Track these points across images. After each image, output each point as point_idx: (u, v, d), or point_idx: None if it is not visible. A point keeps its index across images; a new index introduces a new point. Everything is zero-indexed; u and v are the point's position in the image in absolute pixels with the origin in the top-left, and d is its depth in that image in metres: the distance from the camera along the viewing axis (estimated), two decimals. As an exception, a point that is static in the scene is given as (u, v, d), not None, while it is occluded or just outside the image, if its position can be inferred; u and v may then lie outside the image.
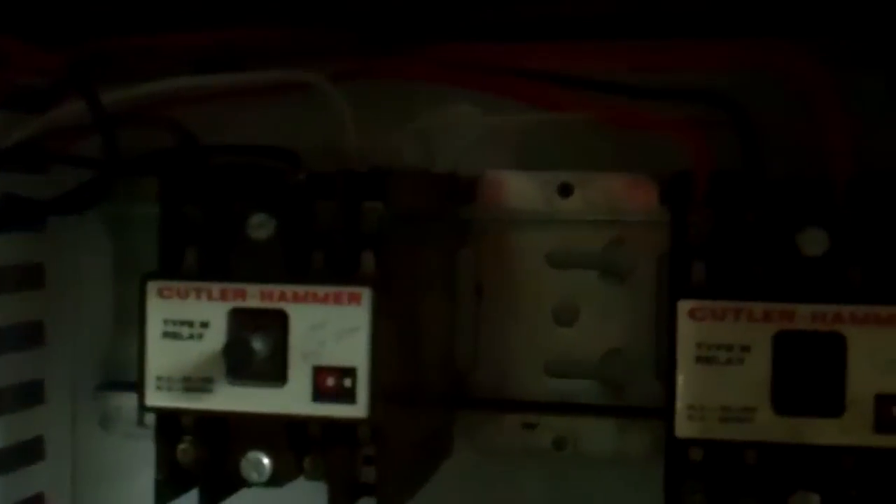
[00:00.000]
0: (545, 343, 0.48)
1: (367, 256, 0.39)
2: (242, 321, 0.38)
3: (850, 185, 0.37)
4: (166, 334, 0.39)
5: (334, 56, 0.44)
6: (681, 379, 0.36)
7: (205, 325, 0.38)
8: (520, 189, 0.47)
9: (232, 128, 0.47)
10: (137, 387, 0.39)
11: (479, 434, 0.48)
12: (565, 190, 0.47)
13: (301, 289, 0.38)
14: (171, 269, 0.39)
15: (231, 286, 0.38)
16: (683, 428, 0.37)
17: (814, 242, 0.36)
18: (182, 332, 0.39)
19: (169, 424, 0.40)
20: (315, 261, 0.39)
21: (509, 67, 0.42)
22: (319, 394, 0.37)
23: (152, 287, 0.39)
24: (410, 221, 0.42)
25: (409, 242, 0.41)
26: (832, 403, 0.36)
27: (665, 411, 0.37)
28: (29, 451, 0.49)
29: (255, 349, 0.37)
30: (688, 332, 0.37)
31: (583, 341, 0.48)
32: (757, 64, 0.39)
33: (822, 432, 0.36)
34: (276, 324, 0.38)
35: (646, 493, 0.41)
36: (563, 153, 0.47)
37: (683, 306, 0.37)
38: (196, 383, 0.39)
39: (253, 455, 0.39)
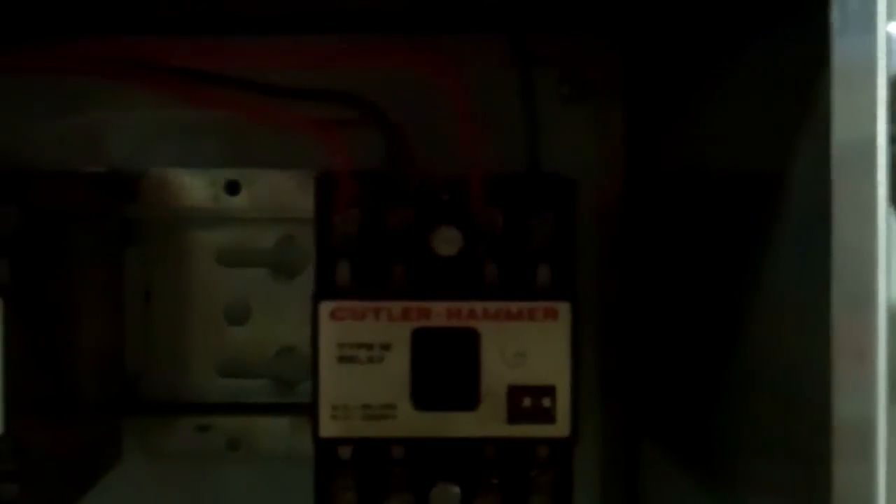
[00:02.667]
0: (217, 343, 0.47)
1: (1, 263, 0.37)
2: None
3: (484, 185, 0.38)
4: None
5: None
6: (323, 379, 0.37)
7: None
8: (186, 186, 0.46)
9: None
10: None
11: (151, 439, 0.47)
12: (232, 187, 0.46)
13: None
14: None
15: None
16: (327, 428, 0.37)
17: (447, 242, 0.37)
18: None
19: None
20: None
21: (159, 63, 0.41)
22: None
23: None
24: (58, 223, 0.40)
25: (56, 245, 0.40)
26: (468, 397, 0.37)
27: (311, 411, 0.37)
28: None
29: None
30: (329, 333, 0.37)
31: (255, 340, 0.47)
32: (396, 64, 0.40)
33: (460, 425, 0.37)
34: None
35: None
36: (229, 150, 0.46)
37: (325, 307, 0.37)
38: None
39: None
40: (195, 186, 0.46)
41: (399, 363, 0.37)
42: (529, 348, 0.37)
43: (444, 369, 0.37)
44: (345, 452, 0.38)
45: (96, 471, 0.44)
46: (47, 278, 0.39)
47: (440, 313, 0.37)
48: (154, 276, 0.47)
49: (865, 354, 0.27)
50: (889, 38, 0.26)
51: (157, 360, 0.47)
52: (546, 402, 0.37)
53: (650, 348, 0.46)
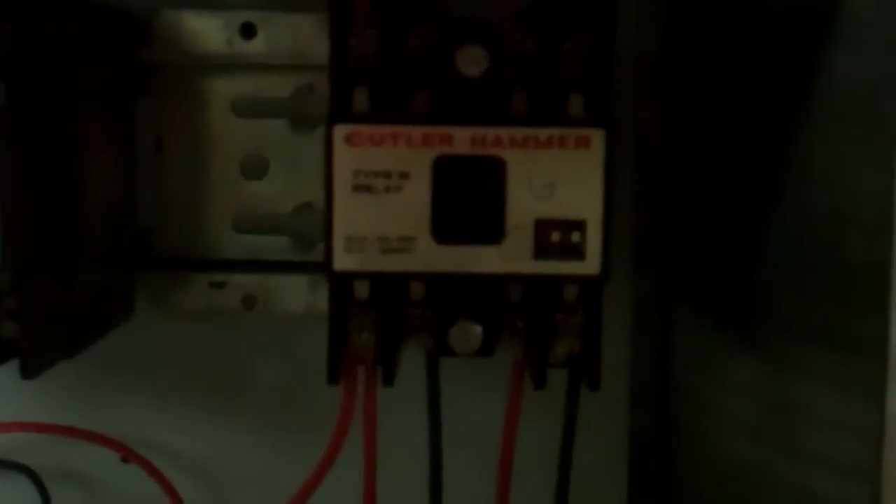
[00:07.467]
0: (233, 198, 0.45)
1: (-5, 88, 0.35)
2: None
3: (514, 8, 0.35)
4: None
5: None
6: (338, 209, 0.34)
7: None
8: (199, 29, 0.44)
9: None
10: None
11: (164, 295, 0.45)
12: (248, 30, 0.44)
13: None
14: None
15: None
16: (342, 260, 0.35)
17: (472, 60, 0.34)
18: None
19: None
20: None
21: None
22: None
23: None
24: (63, 57, 0.38)
25: (61, 82, 0.38)
26: (492, 230, 0.35)
27: (325, 245, 0.35)
28: None
29: None
30: (344, 159, 0.34)
31: (273, 195, 0.45)
32: None
33: (483, 260, 0.35)
34: None
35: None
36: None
37: (339, 131, 0.34)
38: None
39: None
40: (209, 29, 0.44)
41: (419, 193, 0.34)
42: (559, 179, 0.34)
43: (467, 200, 0.34)
44: (361, 291, 0.35)
45: (105, 323, 0.42)
46: (50, 114, 0.37)
47: (464, 140, 0.34)
48: (166, 126, 0.45)
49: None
50: None
51: (171, 214, 0.45)
52: (575, 237, 0.34)
53: (685, 201, 0.43)
